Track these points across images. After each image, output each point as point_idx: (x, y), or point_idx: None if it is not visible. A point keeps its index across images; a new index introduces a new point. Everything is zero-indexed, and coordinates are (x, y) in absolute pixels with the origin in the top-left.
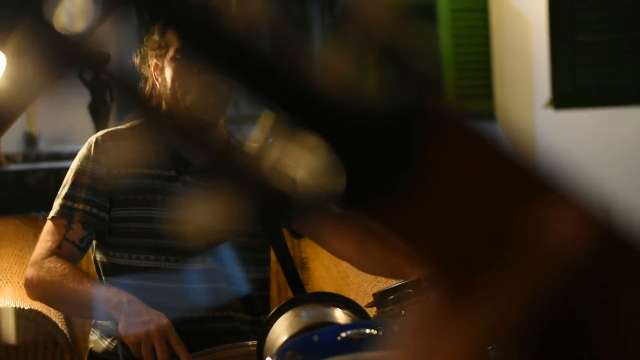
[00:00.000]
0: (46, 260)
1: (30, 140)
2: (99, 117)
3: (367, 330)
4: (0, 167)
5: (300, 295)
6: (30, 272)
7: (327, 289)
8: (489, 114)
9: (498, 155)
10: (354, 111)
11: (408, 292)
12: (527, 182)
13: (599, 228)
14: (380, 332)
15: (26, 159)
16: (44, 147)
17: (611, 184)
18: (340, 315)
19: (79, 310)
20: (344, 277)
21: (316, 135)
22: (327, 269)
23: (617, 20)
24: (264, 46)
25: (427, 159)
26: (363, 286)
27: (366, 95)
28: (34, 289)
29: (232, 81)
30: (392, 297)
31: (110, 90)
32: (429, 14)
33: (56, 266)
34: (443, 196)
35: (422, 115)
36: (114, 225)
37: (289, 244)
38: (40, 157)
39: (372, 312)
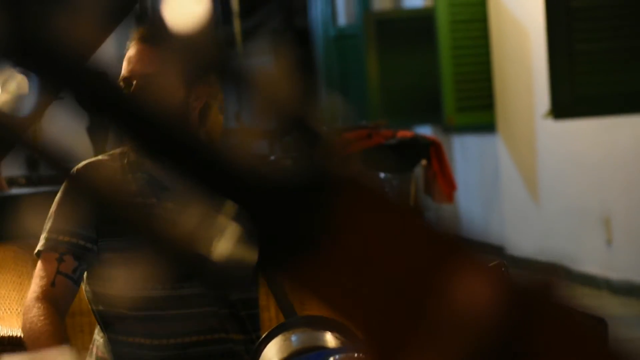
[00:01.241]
0: (36, 307)
1: (33, 162)
2: (97, 140)
3: (356, 355)
4: (0, 191)
5: (291, 319)
6: (23, 315)
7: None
8: (490, 126)
9: (407, 220)
10: (266, 177)
11: None
12: (438, 246)
13: (510, 287)
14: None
15: (29, 182)
16: (45, 170)
17: (612, 192)
18: (330, 339)
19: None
20: None
21: (230, 201)
22: None
23: (615, 29)
24: (179, 120)
25: (338, 223)
26: None
27: (278, 161)
28: (23, 334)
29: (152, 154)
30: None
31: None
32: (428, 25)
33: (39, 318)
34: (354, 260)
35: (333, 180)
36: (102, 256)
37: None
38: (42, 181)
39: None
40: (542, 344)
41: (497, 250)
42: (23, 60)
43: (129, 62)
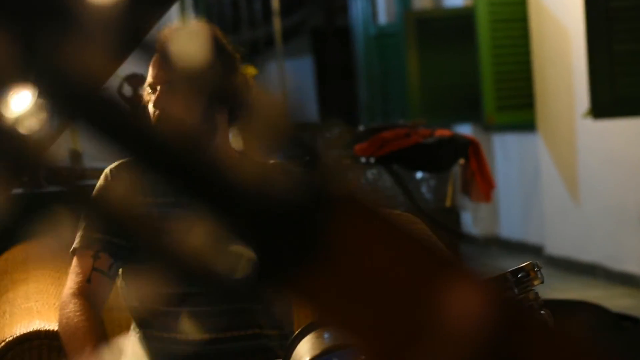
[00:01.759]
0: (72, 303)
1: (75, 156)
2: None
3: None
4: (41, 187)
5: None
6: (60, 310)
7: None
8: (530, 125)
9: (401, 236)
10: (266, 195)
11: None
12: (430, 262)
13: (500, 301)
14: None
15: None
16: (88, 163)
17: None
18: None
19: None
20: None
21: (230, 221)
22: None
23: None
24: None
25: (335, 238)
26: None
27: (278, 182)
28: (59, 330)
29: (156, 174)
30: None
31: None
32: (468, 24)
33: (76, 314)
34: (351, 274)
35: (330, 197)
36: (136, 253)
37: None
38: (85, 174)
39: None
40: (531, 357)
41: (536, 250)
42: (37, 87)
43: (154, 67)
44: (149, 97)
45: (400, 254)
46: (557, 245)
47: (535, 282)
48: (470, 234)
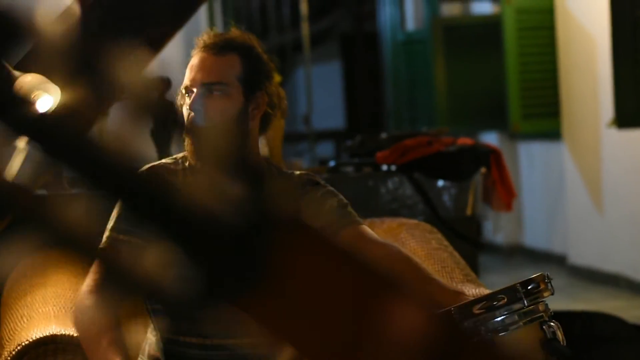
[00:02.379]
0: (88, 299)
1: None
2: (161, 143)
3: None
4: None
5: None
6: (75, 304)
7: None
8: (555, 133)
9: (345, 261)
10: (213, 218)
11: None
12: (373, 285)
13: (439, 320)
14: None
15: None
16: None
17: None
18: None
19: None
20: None
21: (180, 244)
22: None
23: None
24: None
25: (279, 261)
26: None
27: (224, 209)
28: (73, 323)
29: (115, 199)
30: None
31: (175, 116)
32: (495, 32)
33: (92, 309)
34: (295, 295)
35: (275, 220)
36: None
37: None
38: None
39: None
40: None
41: (560, 260)
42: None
43: (191, 70)
44: (184, 99)
45: (342, 278)
46: (581, 254)
47: (546, 294)
48: (493, 243)
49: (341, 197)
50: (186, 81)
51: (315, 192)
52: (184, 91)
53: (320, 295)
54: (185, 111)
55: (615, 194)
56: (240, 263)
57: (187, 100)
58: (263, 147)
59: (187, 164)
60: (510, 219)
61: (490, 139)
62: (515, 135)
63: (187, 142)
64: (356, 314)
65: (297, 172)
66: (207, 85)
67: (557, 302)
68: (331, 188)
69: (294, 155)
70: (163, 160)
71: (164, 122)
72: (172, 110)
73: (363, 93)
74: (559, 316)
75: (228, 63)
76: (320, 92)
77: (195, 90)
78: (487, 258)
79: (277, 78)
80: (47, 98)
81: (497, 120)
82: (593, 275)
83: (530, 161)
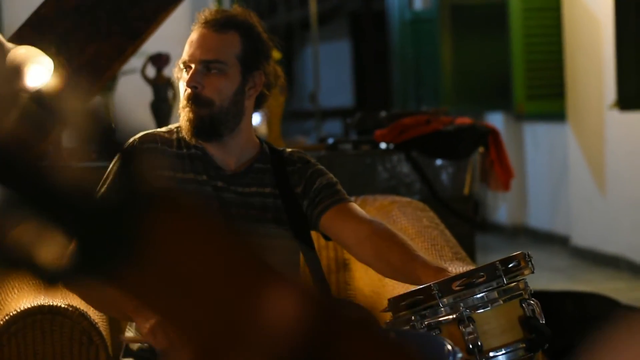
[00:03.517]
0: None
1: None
2: (160, 115)
3: None
4: (64, 162)
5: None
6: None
7: (366, 289)
8: (560, 114)
9: (220, 236)
10: (87, 196)
11: (419, 299)
12: (249, 263)
13: (314, 303)
14: None
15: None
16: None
17: None
18: None
19: (104, 309)
20: (381, 278)
21: (55, 220)
22: (366, 271)
23: None
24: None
25: (152, 236)
26: (397, 289)
27: (99, 179)
28: (83, 295)
29: None
30: (404, 303)
31: (173, 88)
32: (501, 12)
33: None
34: (168, 270)
35: (149, 196)
36: None
37: (331, 245)
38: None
39: (387, 316)
40: (342, 350)
41: (563, 240)
42: None
43: (190, 46)
44: (181, 73)
45: (217, 253)
46: (583, 236)
47: (526, 272)
48: (497, 223)
49: (330, 175)
50: (184, 56)
51: (305, 170)
52: (182, 65)
53: (192, 271)
54: (182, 86)
55: (618, 177)
56: (111, 238)
57: (185, 75)
58: (262, 124)
59: (182, 134)
60: (514, 200)
61: (496, 119)
62: (520, 116)
63: (182, 116)
64: (227, 291)
65: (288, 150)
66: (205, 63)
67: (558, 283)
68: (321, 166)
69: (301, 134)
70: (157, 129)
71: (164, 94)
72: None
73: (371, 71)
74: (551, 296)
75: (227, 41)
76: (329, 70)
77: (193, 66)
78: (491, 238)
79: (276, 55)
80: (39, 70)
81: (502, 100)
82: (595, 257)
83: (535, 142)
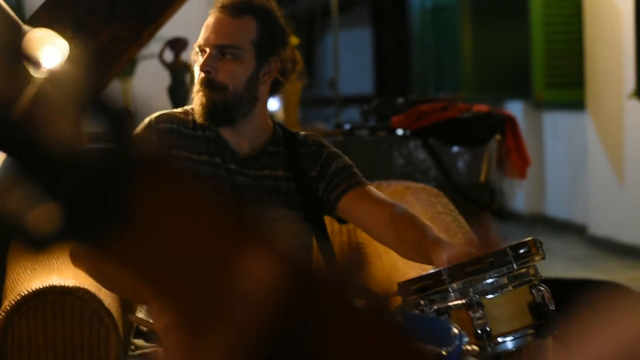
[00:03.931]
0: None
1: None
2: (177, 99)
3: None
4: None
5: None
6: (78, 256)
7: (379, 274)
8: (579, 103)
9: (205, 203)
10: (75, 161)
11: (429, 283)
12: (234, 229)
13: (294, 270)
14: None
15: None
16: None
17: None
18: None
19: (117, 289)
20: (393, 264)
21: (40, 183)
22: (379, 256)
23: None
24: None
25: (141, 203)
26: (409, 274)
27: (83, 147)
28: (79, 258)
29: None
30: (414, 287)
31: (190, 73)
32: (521, 1)
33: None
34: (156, 240)
35: (137, 162)
36: None
37: (344, 230)
38: None
39: (397, 300)
40: (320, 323)
41: (580, 230)
42: None
43: (206, 30)
44: (197, 57)
45: (203, 222)
46: (600, 225)
47: (537, 258)
48: (515, 212)
49: (346, 158)
50: (200, 40)
51: (320, 153)
52: (197, 49)
53: (178, 238)
54: (196, 70)
55: (636, 166)
56: (99, 202)
57: (200, 59)
58: (280, 110)
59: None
60: (532, 188)
61: (515, 107)
62: (540, 105)
63: (195, 100)
64: (212, 260)
65: (302, 133)
66: (220, 47)
67: (574, 272)
68: (336, 150)
69: (321, 120)
70: (173, 110)
71: (181, 78)
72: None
73: (391, 59)
74: (563, 283)
75: (243, 26)
76: (349, 57)
77: (207, 50)
78: (509, 226)
79: (294, 41)
80: (54, 53)
81: (522, 89)
82: (612, 246)
83: (554, 131)
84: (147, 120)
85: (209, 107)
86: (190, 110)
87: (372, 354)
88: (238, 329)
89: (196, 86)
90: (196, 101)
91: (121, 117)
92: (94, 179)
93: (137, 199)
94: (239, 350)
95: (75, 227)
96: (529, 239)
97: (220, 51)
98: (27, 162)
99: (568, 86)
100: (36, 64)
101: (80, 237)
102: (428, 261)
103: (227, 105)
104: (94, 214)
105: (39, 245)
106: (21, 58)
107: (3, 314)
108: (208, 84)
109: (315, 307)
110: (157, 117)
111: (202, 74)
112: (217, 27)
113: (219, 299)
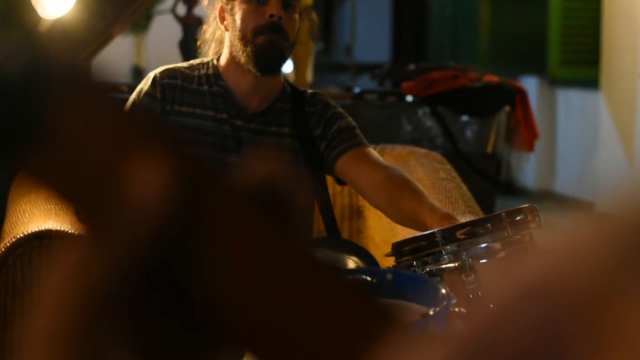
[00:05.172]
0: None
1: (137, 72)
2: (188, 54)
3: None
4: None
5: (313, 238)
6: None
7: (378, 237)
8: (593, 82)
9: (112, 116)
10: None
11: (422, 245)
12: (128, 137)
13: (187, 174)
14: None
15: (131, 89)
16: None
17: None
18: (344, 262)
19: None
20: (392, 227)
21: None
22: (378, 219)
23: None
24: None
25: (59, 117)
26: (408, 237)
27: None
28: None
29: None
30: (407, 248)
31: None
32: None
33: None
34: (68, 150)
35: (54, 72)
36: None
37: (346, 191)
38: None
39: (390, 261)
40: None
41: (588, 207)
42: None
43: None
44: (245, 4)
45: (104, 132)
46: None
47: (532, 225)
48: (524, 187)
49: (350, 119)
50: None
51: (325, 112)
52: None
53: (91, 149)
54: (254, 15)
55: None
56: (17, 117)
57: (255, 4)
58: (292, 72)
59: (204, 71)
60: (542, 165)
61: (529, 83)
62: (554, 81)
63: (248, 47)
64: (106, 166)
65: (310, 91)
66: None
67: None
68: (341, 110)
69: (335, 85)
70: (178, 64)
71: (193, 32)
72: None
73: (408, 28)
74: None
75: None
76: (367, 25)
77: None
78: (517, 202)
79: (308, 1)
80: (62, 2)
81: (537, 64)
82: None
83: (568, 108)
84: (151, 75)
85: (273, 53)
86: (197, 65)
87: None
88: (127, 235)
89: (249, 31)
90: (244, 48)
91: (34, 30)
92: (12, 91)
93: (57, 115)
94: (128, 256)
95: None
96: (526, 205)
97: (286, 0)
98: None
99: (583, 64)
100: (44, 9)
101: (3, 155)
102: (422, 227)
103: (285, 53)
104: (11, 130)
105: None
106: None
107: None
108: (278, 29)
109: (204, 214)
110: (160, 73)
111: (272, 19)
112: None
113: (110, 205)
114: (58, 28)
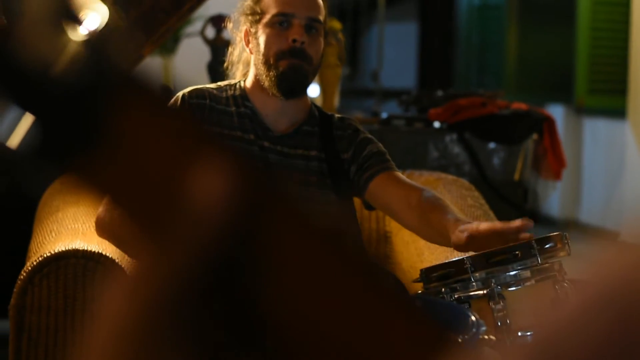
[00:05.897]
0: (115, 213)
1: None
2: (216, 76)
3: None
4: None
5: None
6: (103, 210)
7: (405, 263)
8: (620, 111)
9: (173, 122)
10: (51, 78)
11: (451, 271)
12: (193, 146)
13: (250, 180)
14: None
15: None
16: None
17: None
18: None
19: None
20: (420, 254)
21: (13, 101)
22: (405, 245)
23: None
24: None
25: (115, 122)
26: (435, 263)
27: (59, 64)
28: (106, 227)
29: None
30: (436, 274)
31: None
32: (569, 4)
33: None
34: (129, 158)
35: (112, 81)
36: None
37: (373, 216)
38: None
39: (418, 287)
40: (276, 231)
41: (613, 237)
42: None
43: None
44: (269, 28)
45: (172, 138)
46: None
47: (561, 254)
48: (549, 216)
49: (380, 144)
50: (283, 7)
51: (355, 136)
52: (274, 17)
53: (152, 158)
54: (277, 40)
55: None
56: (73, 121)
57: (278, 28)
58: (319, 96)
59: (232, 92)
60: (567, 193)
61: (556, 111)
62: (580, 110)
63: (263, 70)
64: (167, 174)
65: (338, 115)
66: (310, 20)
67: None
68: (370, 135)
69: (361, 111)
70: (206, 85)
71: (221, 55)
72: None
73: (435, 55)
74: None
75: (323, 3)
76: (394, 51)
77: (295, 21)
78: (542, 230)
79: (337, 25)
80: (94, 17)
81: (564, 93)
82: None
83: (594, 137)
84: (180, 94)
85: (295, 77)
86: (225, 87)
87: None
88: (192, 241)
89: (273, 55)
90: (267, 71)
91: (108, 40)
92: (70, 96)
93: (113, 120)
94: (192, 262)
95: (47, 146)
96: (556, 233)
97: (308, 24)
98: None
99: (610, 93)
100: (76, 26)
101: (51, 157)
102: (447, 241)
103: (308, 77)
104: (67, 134)
105: (22, 163)
106: (61, 19)
107: (24, 274)
108: (300, 54)
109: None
110: (189, 92)
111: (295, 44)
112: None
113: (172, 212)
114: (111, 38)
